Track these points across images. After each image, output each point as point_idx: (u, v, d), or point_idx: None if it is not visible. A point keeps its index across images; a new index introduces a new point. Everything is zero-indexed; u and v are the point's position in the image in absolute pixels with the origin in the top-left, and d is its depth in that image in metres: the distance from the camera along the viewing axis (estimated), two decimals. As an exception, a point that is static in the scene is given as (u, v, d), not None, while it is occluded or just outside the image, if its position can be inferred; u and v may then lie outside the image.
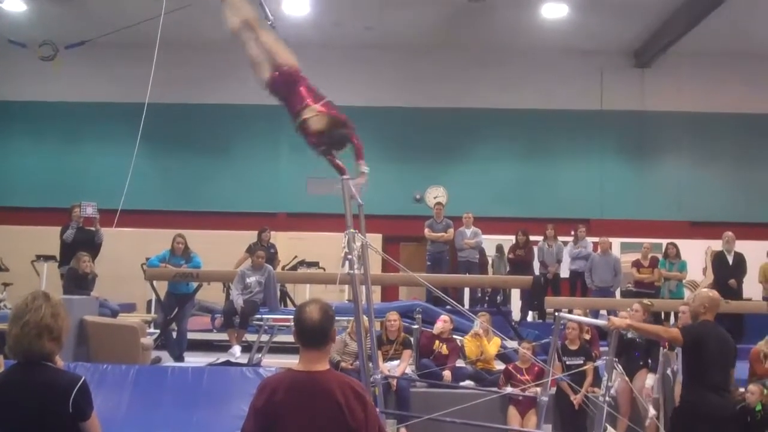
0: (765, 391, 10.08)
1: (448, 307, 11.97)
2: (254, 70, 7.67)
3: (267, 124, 20.38)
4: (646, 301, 10.62)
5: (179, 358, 12.71)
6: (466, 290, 17.80)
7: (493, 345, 11.65)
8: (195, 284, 13.37)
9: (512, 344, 11.61)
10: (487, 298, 17.62)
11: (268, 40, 7.70)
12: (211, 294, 15.56)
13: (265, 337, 12.37)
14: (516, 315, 16.89)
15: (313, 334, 4.14)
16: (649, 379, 9.99)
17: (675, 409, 7.81)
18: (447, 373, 11.02)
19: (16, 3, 17.61)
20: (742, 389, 10.40)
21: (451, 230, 17.02)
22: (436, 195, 20.22)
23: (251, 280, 12.44)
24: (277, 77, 7.53)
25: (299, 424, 4.00)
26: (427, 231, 17.08)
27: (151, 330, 14.18)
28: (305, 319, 4.14)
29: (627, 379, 8.48)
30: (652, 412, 9.08)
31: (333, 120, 7.34)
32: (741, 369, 11.09)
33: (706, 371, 7.24)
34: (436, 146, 20.62)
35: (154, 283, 13.96)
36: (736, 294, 15.15)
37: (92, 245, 14.10)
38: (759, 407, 9.90)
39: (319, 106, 7.38)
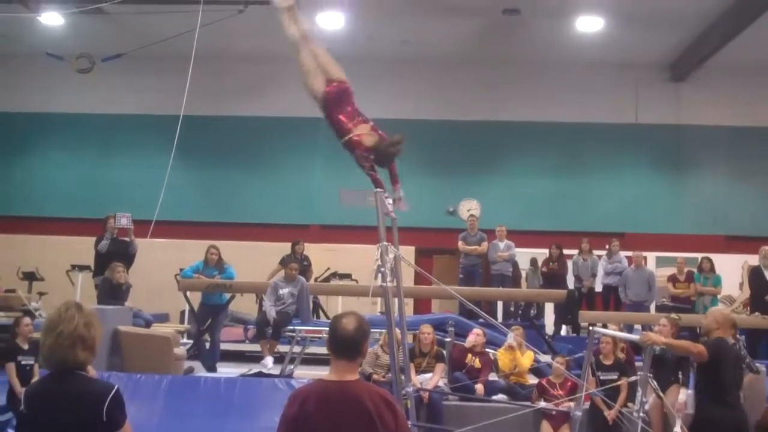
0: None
1: (480, 320, 11.92)
2: (307, 81, 7.71)
3: (301, 135, 20.49)
4: (673, 315, 10.52)
5: (212, 368, 12.72)
6: (500, 303, 17.70)
7: (526, 359, 11.57)
8: (228, 295, 13.41)
9: (546, 358, 11.54)
10: (520, 311, 17.54)
11: (321, 54, 7.79)
12: (244, 305, 15.60)
13: (297, 349, 12.39)
14: (549, 329, 16.79)
15: (344, 345, 4.16)
16: (682, 395, 9.89)
17: (692, 425, 7.79)
18: (479, 387, 10.95)
19: (53, 16, 17.79)
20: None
21: (485, 243, 16.94)
22: (469, 208, 20.17)
23: (284, 291, 12.43)
24: (332, 90, 7.60)
25: (330, 434, 4.02)
26: (460, 244, 17.03)
27: (185, 340, 14.24)
28: (339, 330, 4.18)
29: (662, 394, 8.39)
30: (677, 427, 8.99)
31: (383, 140, 7.50)
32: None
33: (724, 387, 7.34)
34: (469, 159, 20.59)
35: (188, 293, 14.03)
36: (773, 310, 14.97)
37: (126, 256, 14.23)
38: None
39: (370, 125, 7.49)
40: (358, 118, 7.57)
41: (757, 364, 10.80)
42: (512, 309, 17.89)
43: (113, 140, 21.11)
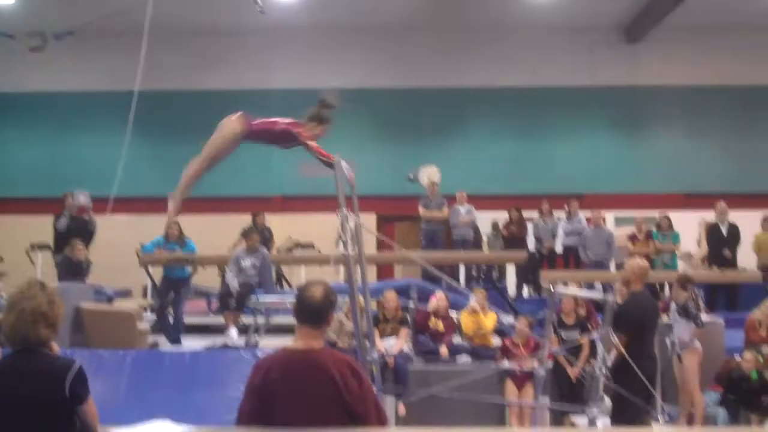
0: (760, 358, 10.19)
1: (444, 284, 12.01)
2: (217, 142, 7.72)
3: (259, 108, 20.31)
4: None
5: (176, 342, 12.73)
6: (462, 268, 17.80)
7: (489, 320, 11.67)
8: (190, 269, 13.39)
9: (509, 319, 11.66)
10: (482, 275, 17.65)
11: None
12: (206, 278, 15.58)
13: (261, 320, 12.41)
14: (512, 291, 16.94)
15: (311, 312, 4.20)
16: None
17: (614, 365, 8.29)
18: (443, 350, 11.08)
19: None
20: (738, 357, 10.50)
21: (446, 208, 16.98)
22: (429, 174, 20.19)
23: (246, 263, 12.46)
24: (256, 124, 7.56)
25: (296, 401, 4.04)
26: (421, 209, 17.05)
27: (148, 315, 14.20)
28: (307, 297, 4.22)
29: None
30: None
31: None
32: (737, 337, 11.22)
33: (646, 341, 8.19)
34: (428, 126, 20.61)
35: (150, 268, 13.97)
36: (730, 264, 15.23)
37: (86, 233, 14.16)
38: (755, 375, 10.00)
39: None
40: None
41: (705, 317, 10.98)
42: (474, 273, 18.00)
43: (70, 117, 20.85)
